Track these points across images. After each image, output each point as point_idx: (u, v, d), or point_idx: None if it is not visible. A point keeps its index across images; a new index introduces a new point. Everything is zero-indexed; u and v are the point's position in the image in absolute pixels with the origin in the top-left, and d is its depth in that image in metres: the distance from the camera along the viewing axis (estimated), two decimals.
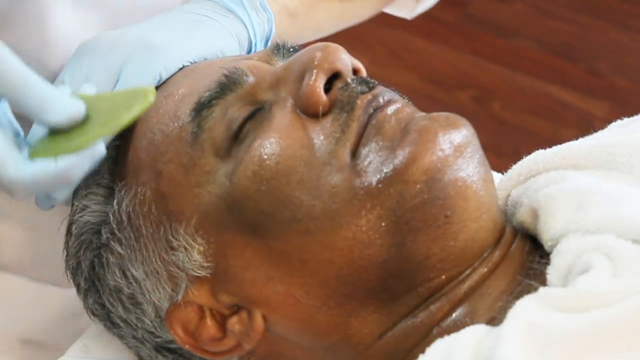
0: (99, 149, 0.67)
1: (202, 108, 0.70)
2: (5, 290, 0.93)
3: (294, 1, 0.86)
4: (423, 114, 0.69)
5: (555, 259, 0.63)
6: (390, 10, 1.04)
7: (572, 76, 2.30)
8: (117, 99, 0.68)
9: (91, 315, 0.79)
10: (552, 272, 0.63)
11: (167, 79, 0.76)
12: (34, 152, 0.67)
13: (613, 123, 0.80)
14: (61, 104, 0.65)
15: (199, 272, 0.69)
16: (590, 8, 2.45)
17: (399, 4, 1.03)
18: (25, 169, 0.65)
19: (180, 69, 0.76)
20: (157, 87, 0.75)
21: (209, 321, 0.71)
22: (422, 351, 0.60)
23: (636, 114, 0.80)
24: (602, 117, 2.18)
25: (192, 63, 0.77)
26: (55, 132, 0.67)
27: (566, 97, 2.26)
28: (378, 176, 0.65)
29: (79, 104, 0.66)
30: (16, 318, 0.94)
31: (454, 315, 0.67)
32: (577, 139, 0.77)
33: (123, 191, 0.72)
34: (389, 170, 0.65)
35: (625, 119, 0.79)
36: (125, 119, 0.66)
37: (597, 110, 2.22)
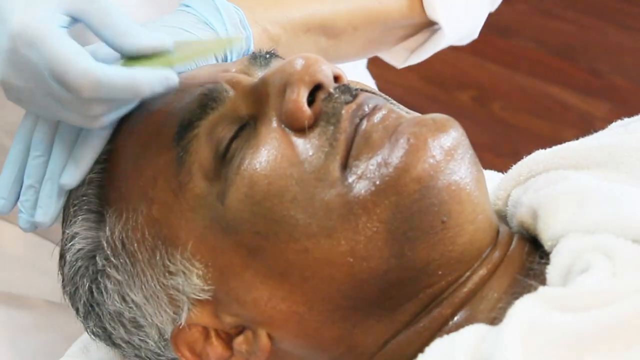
0: (173, 77, 0.69)
1: (184, 131, 0.69)
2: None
3: (277, 27, 0.85)
4: (410, 117, 0.69)
5: (555, 258, 0.63)
6: (383, 56, 1.04)
7: (572, 76, 2.30)
8: (196, 41, 0.72)
9: (92, 336, 0.78)
10: (552, 271, 0.63)
11: None
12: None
13: (613, 123, 0.80)
14: (149, 34, 0.69)
15: (200, 295, 0.69)
16: (590, 8, 2.45)
17: (392, 51, 1.02)
18: (97, 65, 0.66)
19: None
20: None
21: (214, 341, 0.71)
22: (422, 352, 0.60)
23: (636, 114, 0.80)
24: (602, 117, 2.18)
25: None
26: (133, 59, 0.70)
27: (566, 97, 2.26)
28: (372, 189, 0.65)
29: (163, 36, 0.70)
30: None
31: (455, 318, 0.66)
32: (577, 139, 0.77)
33: (114, 217, 0.72)
34: (381, 182, 0.65)
35: (625, 119, 0.79)
36: (207, 50, 0.70)
37: (597, 110, 2.22)
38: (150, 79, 0.68)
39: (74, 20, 0.69)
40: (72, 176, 0.73)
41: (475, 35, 1.04)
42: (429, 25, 0.98)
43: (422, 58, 1.02)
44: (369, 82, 1.23)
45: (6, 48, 0.67)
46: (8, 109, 0.80)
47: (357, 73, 1.14)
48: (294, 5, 0.87)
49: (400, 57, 1.03)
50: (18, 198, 0.77)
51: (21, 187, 0.76)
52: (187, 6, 0.82)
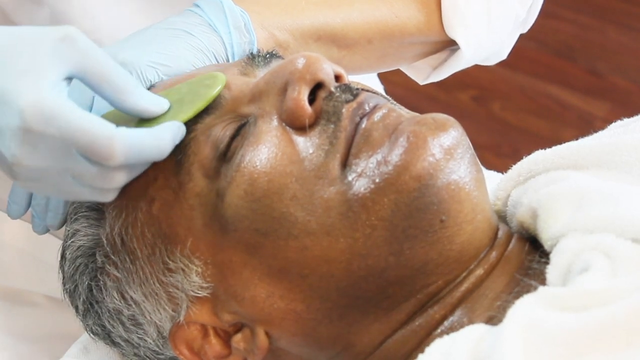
0: (182, 128, 0.68)
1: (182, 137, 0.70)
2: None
3: (285, 33, 0.84)
4: (410, 116, 0.69)
5: (554, 258, 0.63)
6: (406, 70, 1.02)
7: (572, 76, 2.30)
8: (187, 89, 0.71)
9: (91, 334, 0.79)
10: (552, 271, 0.63)
11: None
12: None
13: (613, 123, 0.80)
14: (149, 94, 0.68)
15: (199, 292, 0.69)
16: (590, 8, 2.45)
17: (414, 67, 1.01)
18: (122, 130, 0.65)
19: (153, 85, 0.76)
20: None
21: (213, 339, 0.71)
22: (422, 352, 0.60)
23: (636, 114, 0.80)
24: (602, 117, 2.18)
25: (164, 78, 0.77)
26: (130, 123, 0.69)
27: (566, 97, 2.26)
28: (371, 187, 0.65)
29: (161, 97, 0.69)
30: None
31: (452, 317, 0.67)
32: (577, 139, 0.77)
33: (114, 214, 0.72)
34: (381, 180, 0.65)
35: (625, 119, 0.79)
36: (208, 96, 0.69)
37: (597, 110, 2.22)
38: (171, 134, 0.67)
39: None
40: None
41: (504, 57, 1.01)
42: (449, 44, 0.96)
43: (443, 76, 1.00)
44: (378, 87, 1.23)
45: (17, 127, 0.63)
46: None
47: (365, 77, 1.14)
48: (304, 13, 0.86)
49: (423, 74, 1.01)
50: (30, 203, 0.78)
51: (31, 194, 0.77)
52: (197, 6, 0.82)
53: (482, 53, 0.98)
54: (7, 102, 0.63)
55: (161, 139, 0.66)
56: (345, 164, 0.66)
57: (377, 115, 0.68)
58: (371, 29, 0.90)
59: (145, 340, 0.74)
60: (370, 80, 1.20)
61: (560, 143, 0.76)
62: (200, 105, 0.69)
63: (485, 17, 0.94)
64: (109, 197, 0.69)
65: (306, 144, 0.67)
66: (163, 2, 0.84)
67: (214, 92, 0.69)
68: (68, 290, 0.77)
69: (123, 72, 0.67)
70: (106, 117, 0.70)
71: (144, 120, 0.69)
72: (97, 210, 0.74)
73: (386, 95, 0.73)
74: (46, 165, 0.65)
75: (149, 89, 0.76)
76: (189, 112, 0.69)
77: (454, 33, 0.93)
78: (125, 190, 0.71)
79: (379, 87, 1.23)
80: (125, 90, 0.67)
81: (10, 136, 0.64)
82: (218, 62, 0.80)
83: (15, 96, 0.63)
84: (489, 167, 1.08)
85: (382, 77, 1.27)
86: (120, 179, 0.67)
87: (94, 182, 0.66)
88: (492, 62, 1.02)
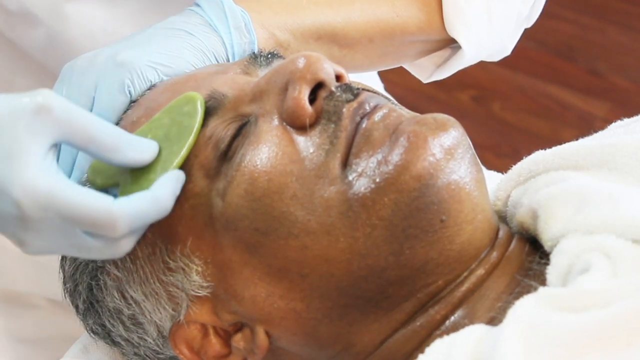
0: (181, 175, 0.67)
1: None
2: None
3: (286, 33, 0.84)
4: (410, 116, 0.69)
5: (555, 259, 0.63)
6: (409, 68, 1.02)
7: (572, 76, 2.30)
8: (169, 120, 0.69)
9: (91, 334, 0.79)
10: (552, 272, 0.63)
11: (144, 94, 0.76)
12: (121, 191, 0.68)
13: (613, 123, 0.80)
14: (138, 142, 0.67)
15: (199, 292, 0.69)
16: (590, 8, 2.45)
17: (417, 65, 1.01)
18: (122, 202, 0.64)
19: (154, 85, 0.76)
20: (133, 102, 0.76)
21: (213, 338, 0.71)
22: (422, 352, 0.60)
23: (636, 114, 0.80)
24: (602, 117, 2.18)
25: (164, 78, 0.77)
26: (123, 172, 0.68)
27: (566, 97, 2.26)
28: (371, 186, 0.65)
29: (150, 140, 0.68)
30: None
31: (453, 317, 0.67)
32: (577, 139, 0.77)
33: None
34: (381, 179, 0.65)
35: (625, 119, 0.79)
36: (194, 129, 0.68)
37: (597, 110, 2.22)
38: (171, 189, 0.66)
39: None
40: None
41: (508, 53, 1.01)
42: (451, 42, 0.96)
43: (446, 74, 1.00)
44: (377, 86, 1.23)
45: (16, 216, 0.63)
46: None
47: (366, 75, 1.14)
48: (305, 13, 0.86)
49: (426, 72, 1.01)
50: None
51: None
52: (198, 5, 0.82)
53: (484, 51, 0.97)
54: (2, 190, 0.62)
55: (162, 200, 0.65)
56: (345, 164, 0.66)
57: (377, 115, 0.68)
58: (372, 28, 0.90)
59: (146, 340, 0.74)
60: (370, 80, 1.20)
61: (560, 143, 0.76)
62: (190, 141, 0.68)
63: (486, 16, 0.94)
64: (120, 255, 0.68)
65: (307, 144, 0.67)
66: (162, 20, 0.84)
67: (197, 122, 0.68)
68: (68, 289, 0.77)
69: (106, 127, 0.65)
70: (95, 167, 0.69)
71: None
72: None
73: (387, 95, 0.73)
74: (53, 243, 0.65)
75: (149, 89, 0.76)
76: (182, 153, 0.67)
77: (455, 32, 0.93)
78: None
79: (378, 86, 1.23)
80: (111, 147, 0.65)
81: (12, 224, 0.64)
82: (218, 62, 0.80)
83: (7, 185, 0.62)
84: (489, 167, 1.08)
85: (382, 77, 1.27)
86: (127, 244, 0.67)
87: (102, 253, 0.66)
88: (496, 58, 1.02)
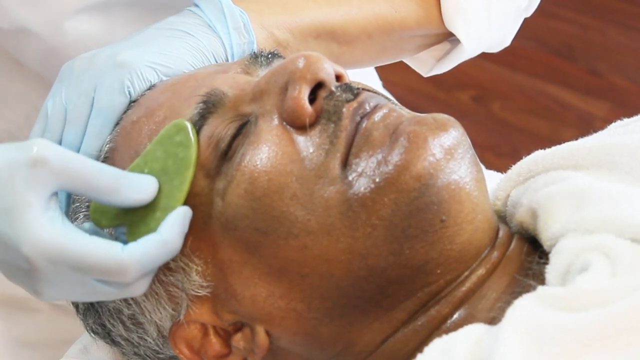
0: (188, 212, 0.67)
1: None
2: None
3: (285, 32, 0.84)
4: (410, 116, 0.69)
5: (554, 258, 0.63)
6: (409, 62, 1.02)
7: (572, 76, 2.30)
8: (163, 152, 0.69)
9: (91, 333, 0.79)
10: (551, 271, 0.63)
11: (145, 94, 0.76)
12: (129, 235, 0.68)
13: (613, 123, 0.80)
14: (137, 182, 0.66)
15: (199, 291, 0.69)
16: (590, 8, 2.45)
17: (417, 59, 1.01)
18: (132, 249, 0.64)
19: (154, 85, 0.76)
20: (133, 102, 0.76)
21: (213, 338, 0.71)
22: (422, 352, 0.60)
23: (636, 114, 0.80)
24: (602, 117, 2.18)
25: (164, 78, 0.77)
26: (126, 210, 0.68)
27: (566, 97, 2.26)
28: (371, 186, 0.65)
29: (148, 176, 0.67)
30: None
31: (454, 317, 0.67)
32: (577, 139, 0.77)
33: None
34: (381, 179, 0.65)
35: (625, 119, 0.79)
36: (190, 160, 0.67)
37: (597, 110, 2.22)
38: (180, 228, 0.66)
39: None
40: None
41: (507, 43, 1.01)
42: (450, 35, 0.96)
43: (447, 68, 1.00)
44: (375, 83, 1.23)
45: (28, 270, 0.63)
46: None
47: (365, 75, 1.14)
48: (303, 11, 0.86)
49: (426, 66, 1.01)
50: None
51: None
52: (197, 6, 0.82)
53: (484, 44, 0.98)
54: (10, 247, 0.63)
55: (171, 243, 0.65)
56: (345, 164, 0.66)
57: (377, 115, 0.68)
58: (371, 24, 0.90)
59: (146, 340, 0.74)
60: (369, 78, 1.20)
61: (560, 143, 0.76)
62: (190, 174, 0.67)
63: (485, 9, 0.94)
64: (137, 295, 0.69)
65: (306, 143, 0.67)
66: None
67: (194, 153, 0.68)
68: None
69: (103, 170, 0.65)
70: (97, 206, 0.69)
71: None
72: None
73: (387, 95, 0.73)
74: (67, 291, 0.66)
75: (149, 88, 0.76)
76: (184, 187, 0.67)
77: (453, 27, 0.93)
78: None
79: (376, 83, 1.23)
80: (110, 190, 0.65)
81: (24, 277, 0.64)
82: (217, 62, 0.80)
83: (14, 242, 0.62)
84: (489, 167, 1.08)
85: (381, 77, 1.27)
86: (142, 287, 0.67)
87: (118, 296, 0.67)
88: (496, 49, 1.02)
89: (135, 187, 0.66)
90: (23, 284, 0.66)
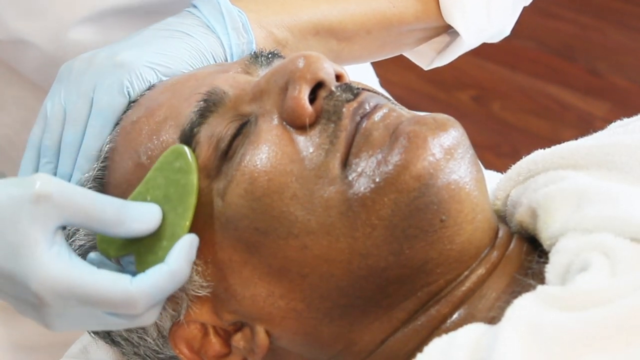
0: (195, 239, 0.67)
1: (187, 139, 0.70)
2: None
3: (284, 31, 0.85)
4: (410, 116, 0.69)
5: (553, 257, 0.63)
6: (409, 55, 1.02)
7: (572, 76, 2.30)
8: (164, 179, 0.68)
9: (91, 333, 0.79)
10: (551, 270, 0.63)
11: (144, 94, 0.76)
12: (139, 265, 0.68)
13: (612, 123, 0.80)
14: (140, 211, 0.66)
15: (199, 291, 0.69)
16: (590, 8, 2.45)
17: (418, 52, 1.01)
18: (140, 281, 0.64)
19: (153, 85, 0.76)
20: (132, 102, 0.75)
21: (213, 338, 0.71)
22: (422, 352, 0.60)
23: (636, 114, 0.80)
24: (602, 117, 2.18)
25: (163, 78, 0.77)
26: (131, 240, 0.68)
27: (566, 97, 2.26)
28: (371, 186, 0.65)
29: (151, 204, 0.67)
30: None
31: (453, 317, 0.67)
32: (576, 139, 0.77)
33: None
34: (381, 179, 0.65)
35: (625, 119, 0.79)
36: (194, 189, 0.67)
37: (597, 110, 2.22)
38: (185, 260, 0.66)
39: None
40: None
41: (507, 33, 1.01)
42: (450, 27, 0.96)
43: (447, 60, 1.00)
44: (372, 78, 1.23)
45: (38, 305, 0.64)
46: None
47: (362, 74, 1.14)
48: (302, 9, 0.87)
49: (427, 59, 1.01)
50: None
51: None
52: (195, 7, 0.82)
53: (483, 35, 0.98)
54: (18, 283, 0.63)
55: (179, 273, 0.65)
56: (345, 164, 0.66)
57: (377, 115, 0.68)
58: (369, 20, 0.90)
59: (145, 340, 0.74)
60: (366, 75, 1.20)
61: (559, 143, 0.76)
62: (192, 201, 0.67)
63: (483, 0, 0.94)
64: (148, 324, 0.69)
65: (306, 143, 0.67)
66: None
67: (195, 180, 0.67)
68: None
69: (106, 202, 0.65)
70: (103, 236, 0.69)
71: None
72: None
73: (387, 95, 0.73)
74: (78, 323, 0.66)
75: (148, 88, 0.76)
76: (187, 215, 0.67)
77: (452, 19, 0.94)
78: (126, 190, 0.71)
79: (373, 80, 1.23)
80: (114, 222, 0.65)
81: (35, 311, 0.65)
82: (216, 63, 0.80)
83: (22, 277, 0.63)
84: (489, 167, 1.08)
85: (381, 77, 1.28)
86: (152, 317, 0.67)
87: (128, 326, 0.67)
88: (496, 39, 1.02)
89: (138, 217, 0.66)
90: (33, 317, 0.66)
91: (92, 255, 0.70)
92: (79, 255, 0.71)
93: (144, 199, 0.68)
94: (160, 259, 0.66)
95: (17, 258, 0.63)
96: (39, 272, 0.62)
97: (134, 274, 0.65)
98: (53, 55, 0.84)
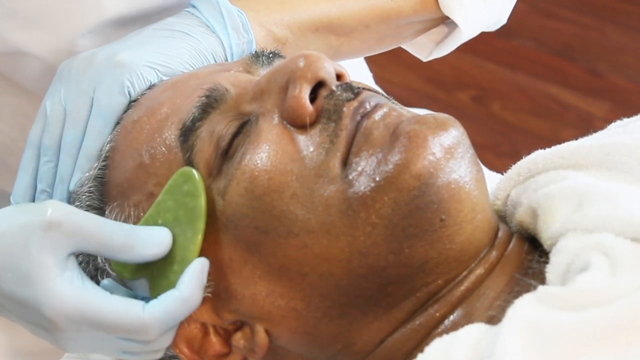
0: (206, 264, 0.67)
1: (189, 133, 0.70)
2: None
3: (283, 29, 0.85)
4: (411, 115, 0.69)
5: (554, 257, 0.63)
6: (408, 48, 1.02)
7: (572, 76, 2.30)
8: (174, 202, 0.68)
9: None
10: (551, 270, 0.63)
11: (145, 94, 0.76)
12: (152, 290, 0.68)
13: (612, 123, 0.80)
14: (149, 236, 0.67)
15: None
16: (590, 8, 2.45)
17: (416, 44, 1.01)
18: (153, 308, 0.65)
19: (154, 85, 0.76)
20: (133, 101, 0.75)
21: (213, 338, 0.71)
22: (422, 351, 0.60)
23: (636, 114, 0.80)
24: (602, 117, 2.18)
25: (163, 78, 0.77)
26: (144, 264, 0.68)
27: (566, 97, 2.26)
28: (371, 185, 0.65)
29: (161, 228, 0.68)
30: None
31: (452, 316, 0.67)
32: (576, 139, 0.77)
33: (115, 212, 0.72)
34: (381, 178, 0.65)
35: (625, 119, 0.79)
36: (202, 212, 0.67)
37: (597, 110, 2.22)
38: (197, 285, 0.66)
39: None
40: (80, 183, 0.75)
41: (504, 22, 1.02)
42: (447, 18, 0.97)
43: (446, 51, 1.01)
44: (366, 74, 1.24)
45: (53, 329, 0.65)
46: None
47: (357, 72, 1.14)
48: (301, 7, 0.87)
49: (425, 50, 1.02)
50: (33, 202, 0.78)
51: (35, 191, 0.78)
52: (194, 7, 0.82)
53: (481, 25, 0.98)
54: (31, 309, 0.64)
55: (191, 299, 0.66)
56: (345, 163, 0.66)
57: (378, 114, 0.68)
58: (367, 15, 0.91)
59: None
60: (362, 72, 1.20)
61: (559, 143, 0.76)
62: (201, 225, 0.67)
63: None
64: (161, 348, 0.69)
65: (307, 143, 0.67)
66: None
67: (203, 204, 0.67)
68: None
69: (116, 229, 0.66)
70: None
71: None
72: (97, 209, 0.74)
73: (387, 95, 0.73)
74: (92, 347, 0.67)
75: (149, 88, 0.76)
76: (197, 239, 0.67)
77: (450, 11, 0.94)
78: (126, 189, 0.71)
79: (367, 75, 1.24)
80: (125, 248, 0.66)
81: (50, 335, 0.66)
82: (217, 62, 0.80)
83: (36, 304, 0.64)
84: (489, 167, 1.08)
85: (381, 77, 1.28)
86: (165, 341, 0.68)
87: (141, 353, 0.68)
88: (493, 29, 1.03)
89: (148, 243, 0.67)
90: (47, 339, 0.67)
91: (105, 281, 0.71)
92: (99, 277, 0.72)
93: (155, 223, 0.69)
94: (172, 284, 0.66)
95: (30, 285, 0.63)
96: (52, 298, 0.63)
97: (147, 298, 0.66)
98: (55, 66, 0.84)
